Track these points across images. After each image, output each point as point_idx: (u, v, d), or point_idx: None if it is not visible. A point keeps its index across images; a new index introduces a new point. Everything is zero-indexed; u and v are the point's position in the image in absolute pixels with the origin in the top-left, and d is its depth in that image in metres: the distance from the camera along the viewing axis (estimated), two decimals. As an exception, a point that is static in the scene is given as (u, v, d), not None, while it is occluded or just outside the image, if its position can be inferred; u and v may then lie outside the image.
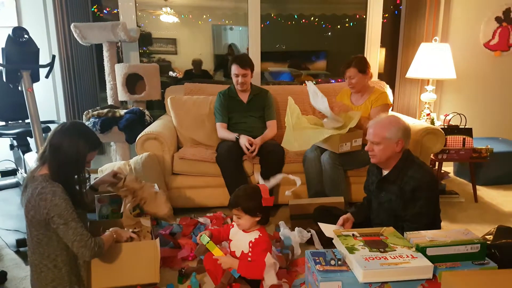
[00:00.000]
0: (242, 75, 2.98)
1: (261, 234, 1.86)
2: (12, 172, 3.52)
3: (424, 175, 1.92)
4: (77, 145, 1.75)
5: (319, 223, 2.11)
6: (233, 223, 1.96)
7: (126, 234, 1.94)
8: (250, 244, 1.85)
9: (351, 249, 1.55)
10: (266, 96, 3.15)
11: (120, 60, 3.68)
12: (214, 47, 5.32)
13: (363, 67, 2.77)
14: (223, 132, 3.04)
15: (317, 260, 1.56)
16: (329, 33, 5.07)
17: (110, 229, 1.92)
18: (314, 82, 3.08)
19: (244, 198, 1.86)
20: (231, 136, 2.94)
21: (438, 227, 2.05)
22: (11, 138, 3.35)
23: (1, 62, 2.73)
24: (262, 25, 3.76)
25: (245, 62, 2.99)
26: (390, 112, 3.15)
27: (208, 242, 1.86)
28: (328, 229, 2.02)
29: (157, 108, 3.85)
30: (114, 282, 1.86)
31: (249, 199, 1.85)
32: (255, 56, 3.82)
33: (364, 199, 2.33)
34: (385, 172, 2.06)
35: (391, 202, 2.02)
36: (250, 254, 1.84)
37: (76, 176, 1.79)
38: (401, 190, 1.95)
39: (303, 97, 3.37)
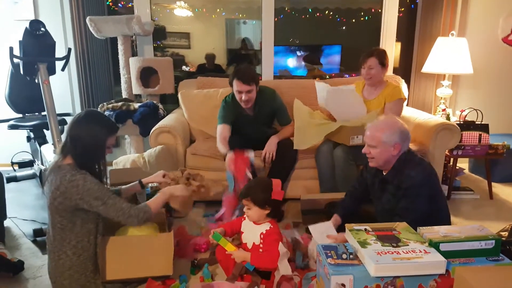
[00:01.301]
0: (246, 91, 2.64)
1: (272, 226, 1.87)
2: (29, 164, 3.59)
3: (419, 172, 1.90)
4: (95, 132, 1.80)
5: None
6: (245, 215, 1.97)
7: (180, 191, 2.02)
8: (261, 236, 1.86)
9: (363, 244, 1.55)
10: (274, 98, 2.87)
11: (134, 54, 3.71)
12: (227, 41, 5.33)
13: (383, 59, 2.72)
14: (220, 140, 2.75)
15: (329, 254, 1.56)
16: (344, 27, 5.03)
17: (161, 190, 1.98)
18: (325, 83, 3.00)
19: (255, 189, 1.88)
20: (223, 149, 2.70)
21: (435, 224, 2.01)
22: (28, 130, 3.41)
23: (19, 55, 2.78)
24: (276, 19, 3.74)
25: (248, 76, 2.63)
26: (405, 107, 3.11)
27: (220, 239, 1.89)
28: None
29: (170, 102, 3.88)
30: (128, 273, 1.89)
31: (259, 190, 1.87)
32: (268, 50, 3.79)
33: (345, 195, 2.31)
34: (384, 173, 2.05)
35: (390, 202, 2.01)
36: (261, 245, 1.85)
37: (97, 165, 1.84)
38: (397, 189, 1.95)
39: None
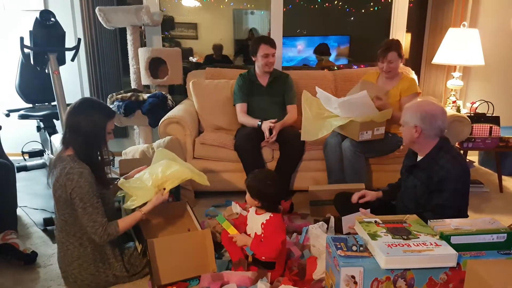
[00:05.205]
0: (272, 54, 2.93)
1: (272, 215, 1.87)
2: (39, 153, 3.62)
3: (455, 166, 1.84)
4: (93, 119, 1.78)
5: (342, 217, 2.15)
6: (249, 208, 2.01)
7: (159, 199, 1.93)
8: (262, 226, 1.87)
9: (374, 236, 1.54)
10: (287, 80, 3.07)
11: (143, 44, 3.71)
12: (235, 32, 5.30)
13: (400, 50, 2.70)
14: (243, 117, 2.98)
15: (339, 246, 1.56)
16: (353, 18, 4.98)
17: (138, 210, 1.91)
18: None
19: (252, 177, 1.91)
20: (252, 121, 2.90)
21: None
22: (38, 120, 3.44)
23: (29, 45, 2.79)
24: (285, 9, 3.70)
25: (273, 41, 2.94)
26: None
27: (224, 222, 1.92)
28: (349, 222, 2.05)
29: (179, 93, 3.88)
30: (179, 275, 1.88)
31: (254, 180, 1.89)
32: (277, 41, 3.75)
33: (398, 180, 2.28)
34: (419, 158, 2.02)
35: (415, 188, 1.98)
36: (262, 235, 1.86)
37: (99, 153, 1.83)
38: (428, 178, 1.90)
39: (325, 82, 3.32)
